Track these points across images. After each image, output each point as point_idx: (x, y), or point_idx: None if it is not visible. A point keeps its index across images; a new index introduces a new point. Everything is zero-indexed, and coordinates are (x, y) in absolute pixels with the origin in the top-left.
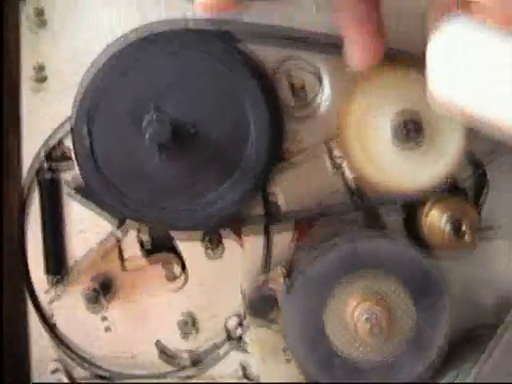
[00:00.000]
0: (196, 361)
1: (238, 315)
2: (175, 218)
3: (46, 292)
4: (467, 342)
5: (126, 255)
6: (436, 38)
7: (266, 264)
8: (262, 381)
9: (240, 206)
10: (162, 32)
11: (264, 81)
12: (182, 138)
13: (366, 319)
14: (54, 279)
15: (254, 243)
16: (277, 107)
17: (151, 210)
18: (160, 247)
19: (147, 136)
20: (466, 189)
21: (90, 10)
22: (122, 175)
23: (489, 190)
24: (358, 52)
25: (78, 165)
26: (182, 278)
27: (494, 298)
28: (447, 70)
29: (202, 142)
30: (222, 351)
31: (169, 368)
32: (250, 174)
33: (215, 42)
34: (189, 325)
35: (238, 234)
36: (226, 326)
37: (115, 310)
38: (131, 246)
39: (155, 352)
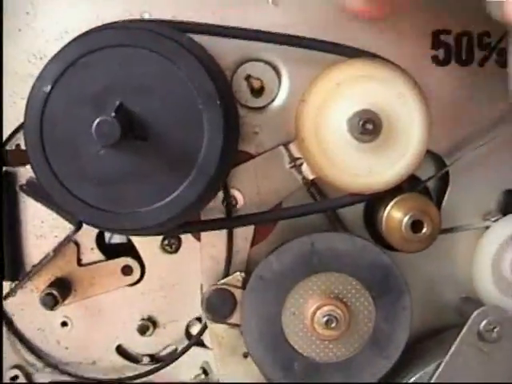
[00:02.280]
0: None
1: (199, 318)
2: (130, 222)
3: (5, 298)
4: (430, 340)
5: (83, 254)
6: None
7: (227, 267)
8: (220, 378)
9: (197, 208)
10: (116, 31)
11: (219, 82)
12: (133, 140)
13: (327, 321)
14: (12, 284)
15: (211, 237)
16: (232, 108)
17: (107, 215)
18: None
19: (96, 137)
20: (428, 188)
21: (46, 10)
22: (76, 179)
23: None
24: None
25: (33, 169)
26: (139, 271)
27: (457, 296)
28: None
29: (156, 143)
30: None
31: (130, 372)
32: (205, 175)
33: (169, 42)
34: (150, 328)
35: (197, 236)
36: (187, 330)
37: (73, 310)
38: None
39: (116, 356)
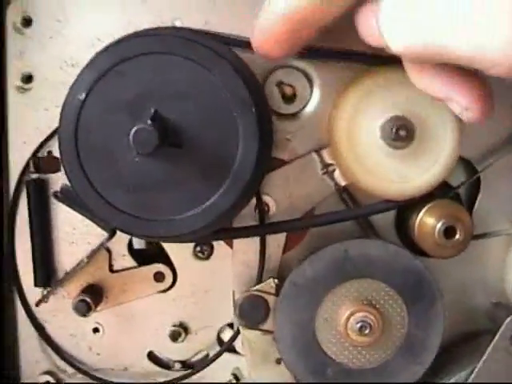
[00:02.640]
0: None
1: (230, 324)
2: (166, 229)
3: (37, 304)
4: (464, 346)
5: (115, 261)
6: None
7: (260, 273)
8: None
9: (231, 215)
10: (150, 39)
11: (253, 89)
12: (170, 148)
13: (360, 328)
14: (44, 291)
15: (243, 244)
16: (266, 115)
17: (141, 222)
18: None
19: (133, 145)
20: (459, 194)
21: (77, 17)
22: (111, 186)
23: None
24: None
25: (68, 177)
26: (171, 278)
27: (488, 301)
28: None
29: (191, 150)
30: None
31: (161, 378)
32: (240, 183)
33: (203, 49)
34: (181, 334)
35: (230, 243)
36: (219, 336)
37: (105, 316)
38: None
39: (147, 363)
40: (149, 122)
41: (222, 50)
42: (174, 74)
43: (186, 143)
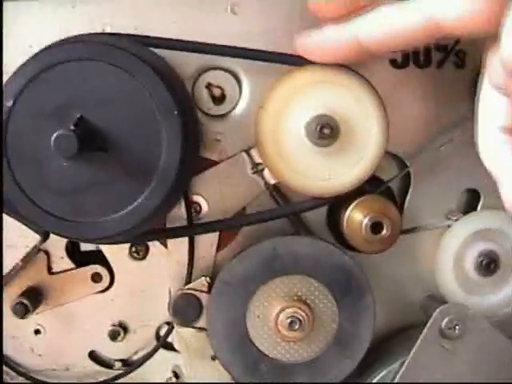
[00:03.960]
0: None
1: (169, 322)
2: (94, 231)
3: None
4: (397, 339)
5: (54, 263)
6: None
7: (190, 272)
8: (187, 379)
9: (158, 216)
10: (74, 46)
11: (177, 91)
12: (92, 151)
13: (290, 323)
14: None
15: (177, 243)
16: (191, 117)
17: (70, 224)
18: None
19: (55, 150)
20: (392, 189)
21: (10, 25)
22: (39, 189)
23: (412, 188)
24: None
25: None
26: (108, 278)
27: (423, 294)
28: None
29: (117, 154)
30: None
31: (103, 378)
32: (164, 184)
33: (125, 55)
34: (121, 334)
35: (164, 243)
36: (158, 334)
37: (46, 317)
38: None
39: (89, 362)
40: (71, 127)
41: (143, 53)
42: (97, 79)
43: (112, 147)
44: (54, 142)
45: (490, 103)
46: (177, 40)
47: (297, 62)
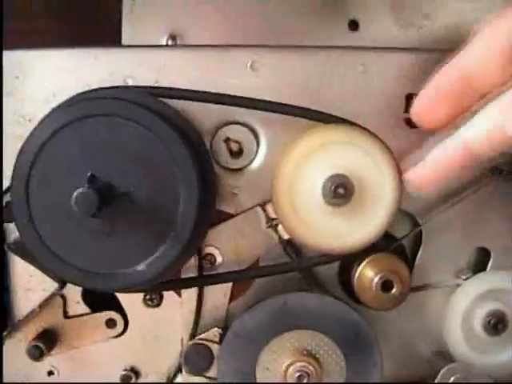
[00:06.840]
0: None
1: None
2: (113, 282)
3: None
4: None
5: (69, 307)
6: None
7: (196, 322)
8: None
9: (174, 268)
10: (89, 103)
11: (194, 145)
12: (112, 207)
13: (299, 377)
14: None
15: (190, 292)
16: (208, 170)
17: (89, 275)
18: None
19: (75, 208)
20: (404, 246)
21: (34, 74)
22: (60, 240)
23: (423, 246)
24: None
25: (18, 229)
26: (122, 324)
27: (430, 350)
28: None
29: (134, 207)
30: None
31: None
32: (181, 238)
33: (141, 110)
34: (132, 378)
35: (178, 292)
36: (168, 379)
37: (60, 359)
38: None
39: None
40: (88, 185)
41: (160, 108)
42: (115, 134)
43: (130, 201)
44: (74, 200)
45: None
46: (195, 91)
47: (315, 117)
